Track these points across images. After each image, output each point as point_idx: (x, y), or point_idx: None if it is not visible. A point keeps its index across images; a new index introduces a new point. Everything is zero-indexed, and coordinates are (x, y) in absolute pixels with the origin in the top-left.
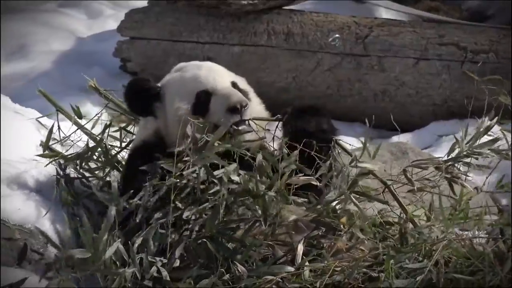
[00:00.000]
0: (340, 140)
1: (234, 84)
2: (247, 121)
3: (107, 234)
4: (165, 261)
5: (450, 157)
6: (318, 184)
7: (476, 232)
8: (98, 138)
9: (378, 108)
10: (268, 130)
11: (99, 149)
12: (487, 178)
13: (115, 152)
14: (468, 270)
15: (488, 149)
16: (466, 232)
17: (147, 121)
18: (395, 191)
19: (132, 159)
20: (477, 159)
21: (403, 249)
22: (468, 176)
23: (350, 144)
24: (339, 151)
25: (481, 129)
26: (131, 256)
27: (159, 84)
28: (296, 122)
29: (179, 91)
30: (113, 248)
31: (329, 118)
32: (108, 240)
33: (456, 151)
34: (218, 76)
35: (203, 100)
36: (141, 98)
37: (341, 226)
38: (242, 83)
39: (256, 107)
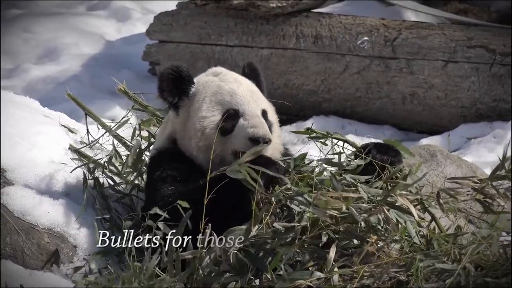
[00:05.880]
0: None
1: (264, 113)
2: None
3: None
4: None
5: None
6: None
7: (505, 236)
8: (127, 142)
9: (406, 111)
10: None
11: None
12: None
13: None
14: (496, 273)
15: None
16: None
17: (165, 124)
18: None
19: (151, 170)
20: None
21: (432, 253)
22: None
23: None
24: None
25: None
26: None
27: (194, 80)
28: (378, 152)
29: (211, 98)
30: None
31: (399, 152)
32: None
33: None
34: (253, 100)
35: (230, 119)
36: (177, 83)
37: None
38: (271, 111)
39: (275, 140)
